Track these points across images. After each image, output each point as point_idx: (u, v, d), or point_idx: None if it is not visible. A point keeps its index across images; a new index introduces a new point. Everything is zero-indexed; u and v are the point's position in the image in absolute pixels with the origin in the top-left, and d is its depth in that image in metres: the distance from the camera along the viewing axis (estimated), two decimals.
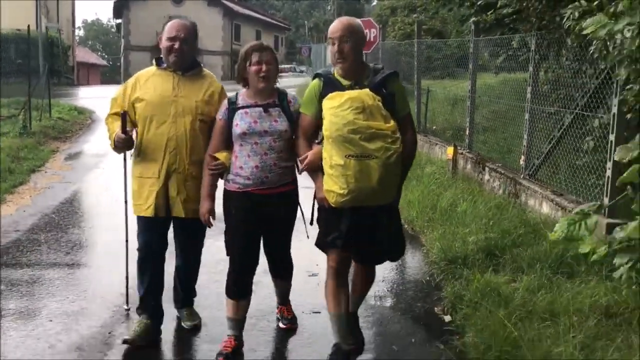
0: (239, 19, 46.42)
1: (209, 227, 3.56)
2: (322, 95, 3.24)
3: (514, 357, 3.17)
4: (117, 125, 3.48)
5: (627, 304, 3.77)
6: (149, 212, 3.54)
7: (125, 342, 3.58)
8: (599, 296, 3.87)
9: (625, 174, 2.03)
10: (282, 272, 3.80)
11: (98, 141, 10.88)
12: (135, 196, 3.62)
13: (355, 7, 58.23)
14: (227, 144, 3.46)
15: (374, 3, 67.02)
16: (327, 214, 3.28)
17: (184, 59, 3.53)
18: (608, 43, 3.90)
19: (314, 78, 3.40)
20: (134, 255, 3.76)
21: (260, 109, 3.39)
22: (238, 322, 3.54)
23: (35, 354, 3.52)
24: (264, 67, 3.33)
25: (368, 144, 3.02)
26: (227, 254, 3.50)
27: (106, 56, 75.03)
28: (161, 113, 3.49)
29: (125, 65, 44.09)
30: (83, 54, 47.90)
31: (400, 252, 3.51)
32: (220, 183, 3.57)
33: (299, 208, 3.58)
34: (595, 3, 4.17)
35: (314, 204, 3.43)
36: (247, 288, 3.52)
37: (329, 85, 3.24)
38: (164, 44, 3.52)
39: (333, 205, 3.15)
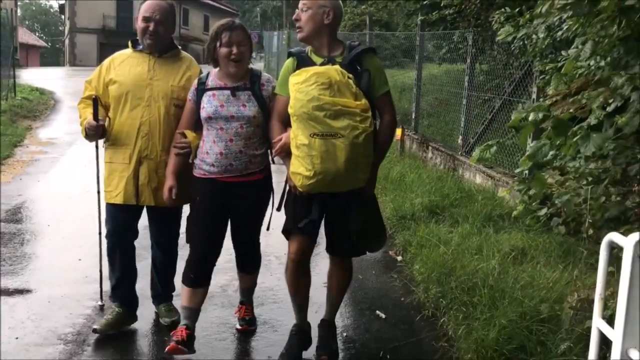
0: (187, 3, 46.31)
1: (171, 204, 3.36)
2: None
3: (449, 276, 4.23)
4: (89, 111, 3.34)
5: (536, 246, 4.89)
6: (118, 199, 3.39)
7: (94, 331, 3.48)
8: (516, 240, 4.98)
9: (510, 122, 2.94)
10: (248, 265, 3.59)
11: (69, 119, 11.43)
12: (106, 183, 3.46)
13: None
14: (196, 126, 3.30)
15: None
16: (296, 199, 3.10)
17: (160, 41, 3.37)
18: (526, 42, 5.01)
19: (288, 57, 3.23)
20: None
21: (229, 91, 3.17)
22: (192, 312, 3.34)
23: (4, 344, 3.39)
24: (234, 49, 3.09)
25: (333, 122, 2.81)
26: (187, 241, 3.34)
27: (44, 37, 72.91)
28: (135, 96, 3.34)
29: (71, 48, 43.42)
30: (21, 35, 46.69)
31: (380, 242, 3.29)
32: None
33: (271, 199, 3.40)
34: (517, 10, 5.26)
35: (284, 190, 3.25)
36: (205, 277, 3.33)
37: (302, 63, 3.07)
38: (139, 24, 3.35)
39: (300, 189, 2.96)
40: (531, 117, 2.58)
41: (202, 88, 3.23)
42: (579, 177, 3.15)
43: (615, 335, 2.24)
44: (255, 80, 3.22)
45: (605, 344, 2.42)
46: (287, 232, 3.19)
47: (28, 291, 4.16)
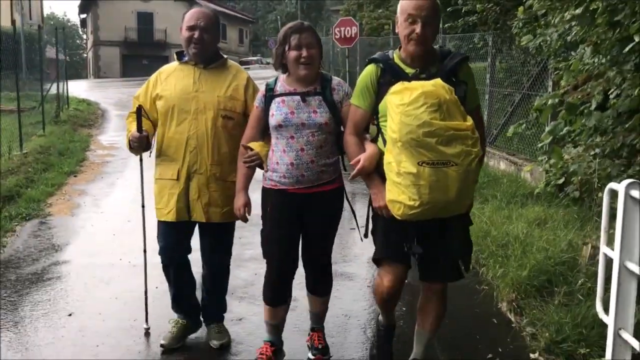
0: None
1: (244, 221, 3.23)
2: (380, 84, 2.81)
3: (485, 238, 5.16)
4: (134, 125, 3.23)
5: (557, 216, 5.81)
6: (170, 217, 3.28)
7: (162, 346, 3.44)
8: (539, 212, 5.90)
9: (535, 106, 3.82)
10: (320, 286, 3.30)
11: (122, 127, 12.51)
12: (157, 200, 3.35)
13: (316, 1, 60.06)
14: (264, 134, 3.13)
15: None
16: (386, 224, 2.83)
17: (205, 49, 3.23)
18: (542, 43, 5.95)
19: (368, 63, 2.92)
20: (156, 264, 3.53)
21: (299, 97, 2.99)
22: (275, 327, 3.26)
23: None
24: (304, 52, 2.92)
25: (446, 149, 2.52)
26: (264, 256, 3.19)
27: (62, 51, 74.52)
28: (181, 110, 3.23)
29: (95, 60, 44.84)
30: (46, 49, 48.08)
31: (469, 259, 3.02)
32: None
33: (346, 209, 3.21)
34: (533, 16, 6.19)
35: (368, 214, 3.05)
36: (285, 293, 3.21)
37: (389, 72, 2.79)
38: (184, 34, 3.24)
39: (399, 217, 2.68)
40: (549, 102, 3.51)
41: (270, 94, 3.05)
42: (587, 149, 4.08)
43: (615, 254, 3.18)
44: (326, 84, 3.04)
45: (609, 267, 3.34)
46: (378, 260, 2.96)
47: None
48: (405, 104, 2.56)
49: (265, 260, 3.20)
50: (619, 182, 3.25)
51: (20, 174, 7.64)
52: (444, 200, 2.58)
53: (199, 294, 3.64)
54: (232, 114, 3.27)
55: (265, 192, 3.13)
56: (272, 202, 3.10)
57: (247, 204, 3.16)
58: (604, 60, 3.82)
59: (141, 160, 3.44)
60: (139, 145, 3.21)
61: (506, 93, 9.09)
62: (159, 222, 3.39)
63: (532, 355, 3.51)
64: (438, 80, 2.64)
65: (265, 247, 3.18)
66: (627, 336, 3.10)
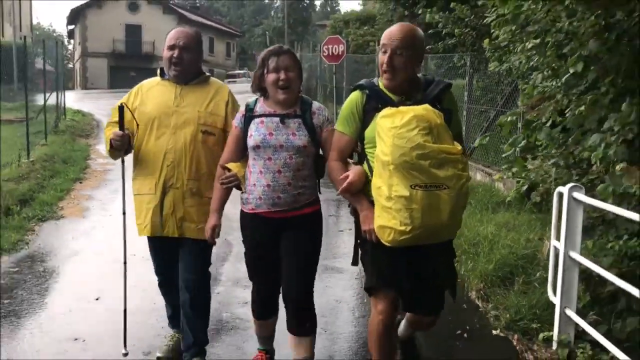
0: (193, 25, 46.65)
1: (212, 244, 3.23)
2: (365, 110, 2.85)
3: (459, 238, 5.80)
4: (114, 131, 3.19)
5: (521, 221, 6.50)
6: (146, 232, 3.27)
7: (159, 359, 3.47)
8: (508, 218, 6.59)
9: (498, 122, 4.47)
10: (301, 324, 3.13)
11: None
12: (136, 215, 3.29)
13: (302, 15, 61.05)
14: (243, 154, 3.11)
15: (317, 8, 70.18)
16: (375, 252, 2.81)
17: (184, 69, 3.20)
18: (511, 66, 6.66)
19: (353, 89, 2.96)
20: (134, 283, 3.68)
21: (278, 119, 2.99)
22: (267, 338, 3.36)
23: None
24: (282, 75, 2.92)
25: (439, 172, 2.55)
26: (249, 278, 3.25)
27: (54, 62, 74.74)
28: (160, 124, 3.20)
29: (83, 71, 45.24)
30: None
31: (454, 288, 3.05)
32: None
33: (332, 214, 3.41)
34: (503, 44, 6.92)
35: (356, 239, 2.99)
36: (272, 308, 3.25)
37: (375, 99, 2.83)
38: (165, 53, 3.22)
39: (388, 243, 2.67)
40: (509, 119, 4.18)
41: (250, 115, 3.04)
42: (544, 159, 4.78)
43: (561, 245, 3.86)
44: (306, 108, 3.04)
45: (558, 257, 4.00)
46: (369, 289, 2.93)
47: None
48: (398, 127, 2.58)
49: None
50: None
51: (31, 180, 8.20)
52: (436, 224, 2.58)
53: None
54: (213, 129, 3.23)
55: (243, 216, 3.14)
56: (249, 228, 3.10)
57: (217, 226, 3.12)
58: (559, 84, 4.52)
59: (123, 162, 3.32)
60: (121, 144, 3.13)
61: (482, 110, 9.83)
62: (148, 240, 3.39)
63: (494, 332, 4.18)
64: (427, 106, 2.68)
65: (248, 269, 3.23)
66: (571, 313, 3.79)
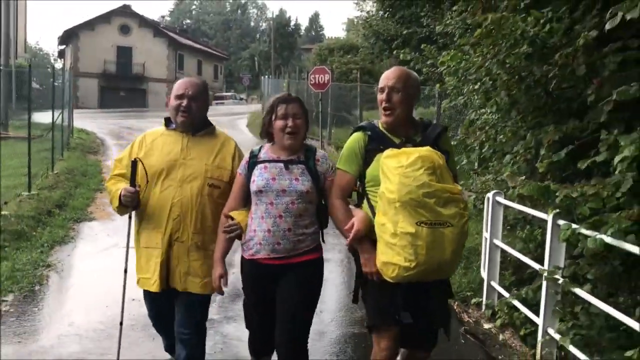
0: (182, 49, 49.70)
1: (221, 294, 3.22)
2: (367, 151, 2.96)
3: None
4: (121, 185, 3.20)
5: (470, 225, 7.97)
6: (154, 288, 3.21)
7: None
8: None
9: None
10: None
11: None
12: (143, 269, 3.26)
13: (288, 41, 63.01)
14: (246, 202, 3.14)
15: (302, 32, 72.25)
16: (376, 290, 2.90)
17: (193, 117, 3.23)
18: (458, 104, 8.19)
19: (355, 131, 3.08)
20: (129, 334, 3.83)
21: (282, 164, 3.02)
22: None
23: None
24: (290, 122, 2.98)
25: (443, 210, 2.66)
26: (246, 327, 3.30)
27: (35, 80, 75.57)
28: (167, 176, 3.19)
29: (74, 91, 46.26)
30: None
31: (449, 326, 3.12)
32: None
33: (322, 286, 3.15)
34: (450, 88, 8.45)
35: (357, 279, 3.07)
36: (268, 348, 3.26)
37: (376, 140, 2.96)
38: (172, 102, 3.24)
39: (391, 280, 2.74)
40: (453, 143, 5.67)
41: (253, 161, 3.08)
42: (483, 174, 6.28)
43: (487, 235, 5.33)
44: (310, 155, 3.08)
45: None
46: (371, 327, 2.99)
47: None
48: (404, 166, 2.69)
49: None
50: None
51: (59, 189, 9.52)
52: (439, 261, 2.65)
53: None
54: (219, 183, 3.22)
55: (243, 263, 3.13)
56: (248, 275, 3.11)
57: (224, 275, 3.12)
58: (487, 119, 6.04)
59: (130, 218, 3.28)
60: (131, 201, 3.12)
61: (450, 135, 11.42)
62: (144, 291, 3.34)
63: None
64: (430, 147, 2.82)
65: (245, 315, 3.28)
66: (494, 284, 5.24)
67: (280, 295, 3.04)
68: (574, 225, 3.65)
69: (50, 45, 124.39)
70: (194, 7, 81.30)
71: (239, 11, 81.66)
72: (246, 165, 3.12)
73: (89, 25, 45.56)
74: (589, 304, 3.70)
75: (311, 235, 3.06)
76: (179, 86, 3.26)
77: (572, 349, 3.68)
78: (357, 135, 3.03)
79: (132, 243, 3.32)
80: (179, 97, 3.22)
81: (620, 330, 3.49)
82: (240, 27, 79.12)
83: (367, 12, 23.61)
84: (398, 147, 2.89)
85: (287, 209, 2.98)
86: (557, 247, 3.97)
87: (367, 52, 22.15)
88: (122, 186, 3.16)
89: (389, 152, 2.84)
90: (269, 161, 3.06)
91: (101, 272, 5.99)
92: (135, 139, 3.37)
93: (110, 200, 3.26)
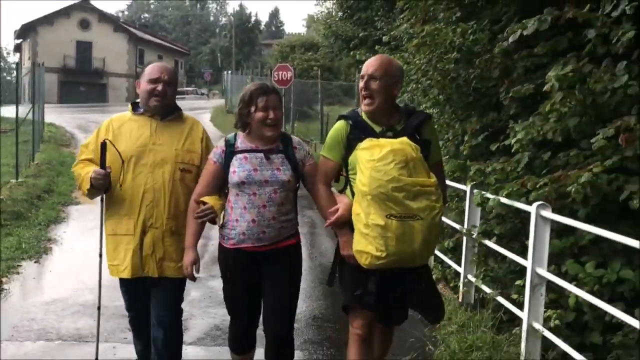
0: (143, 44, 49.76)
1: (193, 280, 3.20)
2: (349, 139, 3.02)
3: None
4: (90, 169, 3.13)
5: None
6: (126, 274, 3.20)
7: None
8: None
9: None
10: (280, 356, 3.20)
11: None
12: (111, 256, 3.25)
13: (249, 36, 63.51)
14: (219, 189, 3.14)
15: (262, 27, 72.82)
16: (352, 272, 2.98)
17: (166, 102, 3.22)
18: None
19: (338, 119, 3.14)
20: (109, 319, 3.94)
21: (262, 154, 3.06)
22: None
23: None
24: (271, 114, 3.01)
25: (412, 203, 2.72)
26: (228, 313, 3.26)
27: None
28: (138, 162, 3.15)
29: (32, 85, 45.77)
30: None
31: (440, 312, 3.20)
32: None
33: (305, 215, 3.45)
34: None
35: (335, 262, 3.20)
36: (249, 342, 3.26)
37: (358, 128, 3.01)
38: (145, 86, 3.20)
39: (365, 267, 2.85)
40: None
41: (231, 150, 3.09)
42: None
43: (466, 223, 6.36)
44: (287, 143, 3.14)
45: None
46: (346, 307, 3.12)
47: None
48: (375, 160, 2.76)
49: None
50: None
51: (43, 177, 10.31)
52: (409, 252, 2.75)
53: None
54: (190, 167, 3.23)
55: (224, 252, 3.14)
56: (231, 264, 3.12)
57: (196, 261, 3.13)
58: (431, 111, 7.16)
59: (102, 201, 3.23)
60: (103, 183, 3.09)
61: None
62: (120, 280, 3.32)
63: None
64: (404, 139, 2.85)
65: (227, 304, 3.25)
66: (471, 277, 6.11)
67: (266, 281, 3.12)
68: (483, 192, 4.78)
69: (3, 39, 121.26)
70: (152, 1, 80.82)
71: (198, 6, 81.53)
72: (222, 154, 3.11)
73: (48, 19, 45.33)
74: (496, 252, 4.83)
75: (292, 221, 3.16)
76: (152, 70, 3.25)
77: (483, 286, 4.81)
78: (340, 124, 3.11)
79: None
80: (154, 81, 3.21)
81: (516, 270, 4.63)
82: (199, 21, 79.02)
83: (328, 11, 24.66)
84: (378, 136, 2.95)
85: (270, 198, 3.03)
86: (473, 211, 5.11)
87: (327, 50, 23.23)
88: (92, 169, 3.10)
89: (364, 143, 2.90)
90: (248, 151, 3.08)
91: (97, 244, 6.86)
92: (101, 124, 3.33)
93: (80, 184, 3.20)
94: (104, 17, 47.45)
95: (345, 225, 2.99)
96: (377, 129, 3.00)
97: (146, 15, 79.48)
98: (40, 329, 4.48)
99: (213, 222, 3.10)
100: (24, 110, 12.95)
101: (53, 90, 45.39)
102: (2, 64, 75.17)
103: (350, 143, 3.02)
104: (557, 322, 3.84)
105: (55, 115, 22.80)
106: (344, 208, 2.97)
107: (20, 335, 4.34)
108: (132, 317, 3.47)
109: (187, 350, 4.04)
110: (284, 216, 3.09)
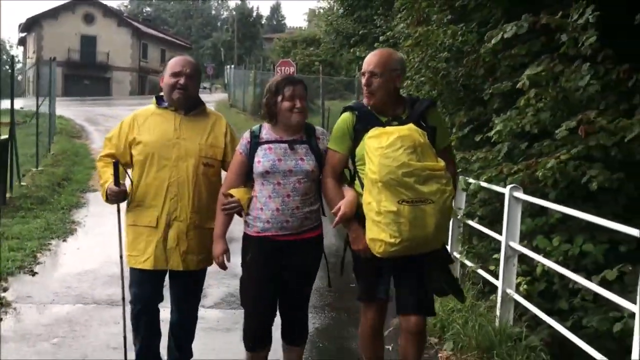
0: (146, 38, 50.25)
1: (224, 269, 3.24)
2: (356, 130, 3.06)
3: None
4: (109, 171, 3.21)
5: None
6: (147, 265, 3.23)
7: None
8: None
9: None
10: (297, 335, 3.32)
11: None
12: (130, 247, 3.28)
13: (250, 30, 63.97)
14: (245, 180, 3.18)
15: (263, 21, 73.22)
16: (365, 264, 3.04)
17: (189, 96, 3.25)
18: None
19: (344, 111, 3.18)
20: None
21: (286, 145, 3.10)
22: None
23: None
24: (298, 103, 3.05)
25: (423, 187, 2.77)
26: (241, 304, 3.28)
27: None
28: (161, 156, 3.21)
29: (37, 79, 46.15)
30: None
31: (461, 296, 3.29)
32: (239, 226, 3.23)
33: (323, 257, 3.25)
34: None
35: (344, 255, 3.24)
36: (265, 339, 3.25)
37: (364, 119, 3.04)
38: (168, 80, 3.24)
39: (379, 255, 2.87)
40: None
41: (256, 141, 3.14)
42: None
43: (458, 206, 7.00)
44: (311, 133, 3.18)
45: None
46: (365, 298, 3.18)
47: None
48: (384, 147, 2.80)
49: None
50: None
51: (61, 167, 10.94)
52: (423, 236, 2.80)
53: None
54: (213, 162, 3.29)
55: (247, 239, 3.18)
56: (253, 251, 3.15)
57: (226, 251, 3.18)
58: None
59: (119, 210, 3.37)
60: (116, 199, 3.22)
61: None
62: (133, 271, 3.32)
63: None
64: (411, 125, 2.90)
65: (243, 295, 3.24)
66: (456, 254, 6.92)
67: (289, 270, 3.15)
68: (467, 178, 5.40)
69: (6, 33, 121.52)
70: None
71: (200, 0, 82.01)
72: (248, 145, 3.15)
73: (53, 13, 45.83)
74: (479, 231, 5.45)
75: (315, 212, 3.19)
76: (175, 63, 3.29)
77: (467, 261, 5.43)
78: (346, 116, 3.15)
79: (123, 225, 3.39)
80: (176, 74, 3.24)
81: (496, 248, 5.25)
82: (201, 15, 79.48)
83: (329, 5, 25.20)
84: (384, 126, 2.98)
85: (294, 188, 3.07)
86: (459, 195, 5.72)
87: (329, 46, 23.81)
88: (110, 175, 3.18)
89: (371, 132, 2.94)
90: (273, 142, 3.12)
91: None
92: (125, 118, 3.38)
93: (100, 185, 3.35)
94: (108, 11, 47.97)
95: (353, 221, 3.03)
96: (383, 119, 3.05)
97: (148, 9, 79.90)
98: (77, 294, 5.13)
99: (239, 214, 3.18)
100: (26, 103, 13.47)
101: (57, 83, 45.76)
102: (4, 57, 75.54)
103: (357, 134, 3.06)
104: (525, 287, 4.45)
105: (63, 109, 23.31)
106: (346, 205, 3.01)
107: (61, 300, 4.99)
108: (137, 311, 3.37)
109: (207, 313, 4.67)
110: (308, 206, 3.13)
